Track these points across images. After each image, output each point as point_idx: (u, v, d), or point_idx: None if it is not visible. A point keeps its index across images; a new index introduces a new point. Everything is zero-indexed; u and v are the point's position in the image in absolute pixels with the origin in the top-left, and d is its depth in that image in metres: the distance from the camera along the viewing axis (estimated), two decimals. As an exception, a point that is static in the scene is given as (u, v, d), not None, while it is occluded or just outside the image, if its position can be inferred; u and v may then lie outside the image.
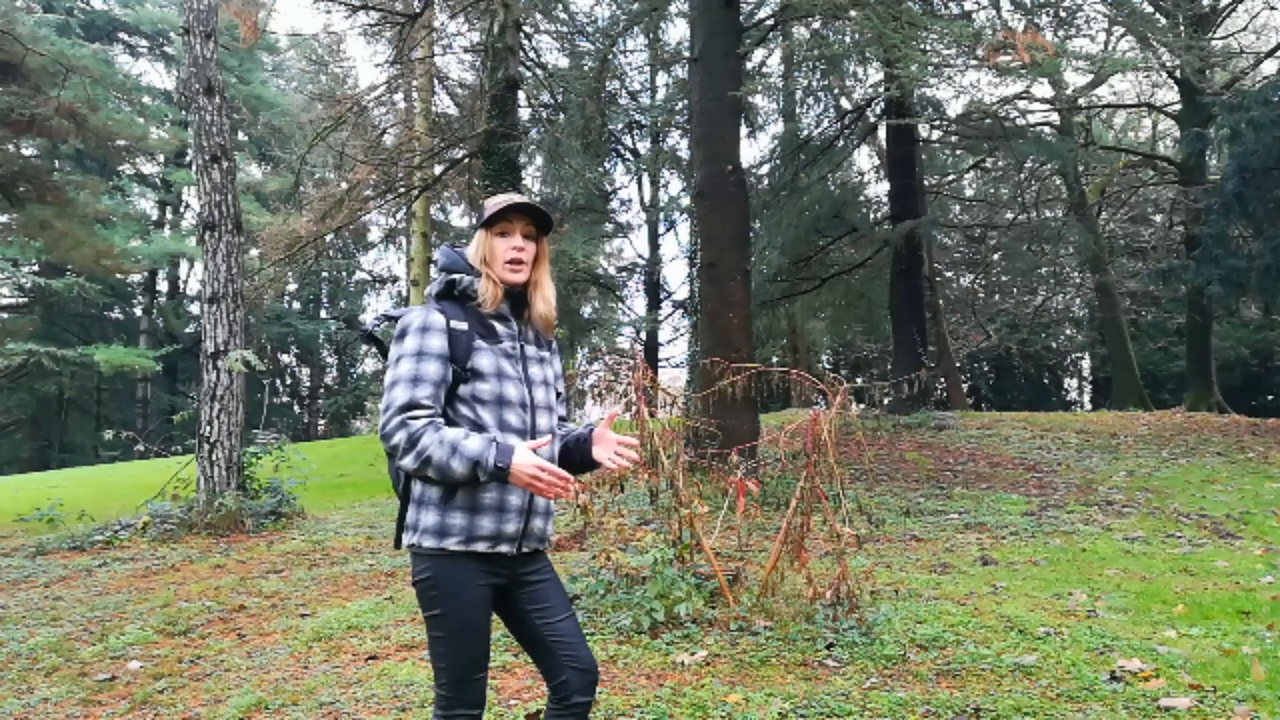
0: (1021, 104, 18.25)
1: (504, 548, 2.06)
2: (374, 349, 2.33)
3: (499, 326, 2.16)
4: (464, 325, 2.08)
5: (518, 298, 2.20)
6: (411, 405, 1.97)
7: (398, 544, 2.11)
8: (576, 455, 2.26)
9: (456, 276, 2.15)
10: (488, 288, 2.12)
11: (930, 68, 9.83)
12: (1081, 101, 19.53)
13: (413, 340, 2.04)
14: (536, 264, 2.21)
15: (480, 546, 2.03)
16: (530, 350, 2.20)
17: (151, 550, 7.39)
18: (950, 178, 22.06)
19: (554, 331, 2.33)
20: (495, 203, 2.17)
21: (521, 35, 15.68)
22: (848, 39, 12.61)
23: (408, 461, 1.95)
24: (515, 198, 2.16)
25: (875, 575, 5.19)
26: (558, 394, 2.29)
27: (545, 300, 2.22)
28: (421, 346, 2.03)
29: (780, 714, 3.27)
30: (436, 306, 2.10)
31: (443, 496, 2.02)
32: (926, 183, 18.64)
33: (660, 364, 24.84)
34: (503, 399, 2.08)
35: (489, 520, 2.03)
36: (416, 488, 2.08)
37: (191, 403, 27.01)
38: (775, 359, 24.01)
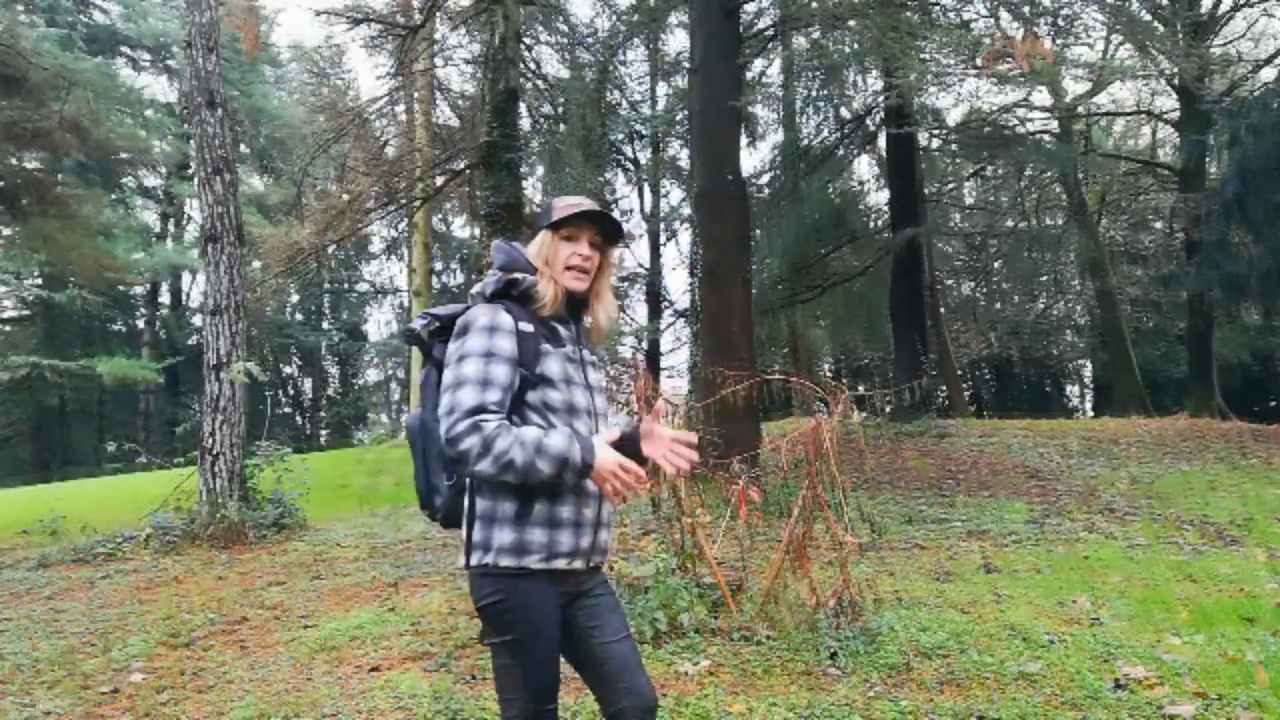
0: (1021, 111, 18.32)
1: (579, 563, 1.96)
2: (420, 350, 2.17)
3: (561, 330, 2.03)
4: (530, 327, 1.95)
5: (576, 302, 2.08)
6: (480, 410, 1.83)
7: (467, 564, 1.96)
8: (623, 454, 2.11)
9: (518, 276, 2.01)
10: (549, 289, 1.99)
11: (930, 76, 9.87)
12: (1081, 108, 19.58)
13: (479, 339, 1.89)
14: (599, 274, 2.09)
15: (561, 563, 1.92)
16: (587, 355, 2.09)
17: (154, 561, 7.39)
18: (950, 185, 22.13)
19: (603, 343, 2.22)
20: (565, 205, 2.04)
21: (522, 46, 15.75)
22: (847, 48, 12.65)
23: (484, 466, 1.80)
24: (587, 203, 2.03)
25: (878, 583, 5.18)
26: None
27: (607, 314, 2.11)
28: (490, 347, 1.88)
29: (784, 723, 3.26)
30: (502, 306, 1.96)
31: (518, 512, 1.89)
32: (927, 190, 18.69)
33: (662, 372, 24.85)
34: (573, 407, 1.97)
35: (568, 535, 1.92)
36: (483, 503, 1.93)
37: (193, 414, 27.02)
38: (777, 365, 24.01)
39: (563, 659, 2.05)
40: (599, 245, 2.08)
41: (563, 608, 1.98)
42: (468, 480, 1.98)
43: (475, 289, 2.06)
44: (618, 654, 1.99)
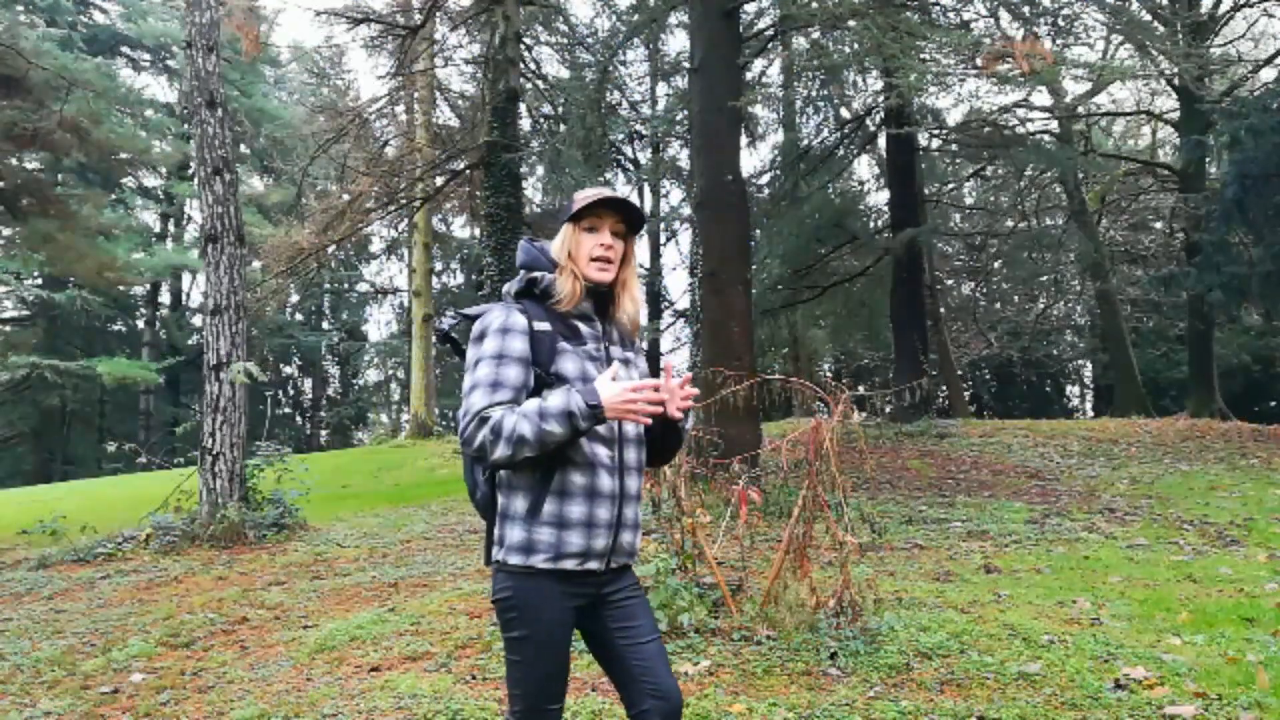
0: (1021, 112, 18.32)
1: (593, 564, 1.95)
2: (451, 349, 2.17)
3: (583, 327, 2.02)
4: (547, 326, 1.96)
5: (602, 297, 2.06)
6: (489, 410, 1.85)
7: (487, 560, 2.00)
8: (657, 425, 2.03)
9: (537, 274, 2.02)
10: (567, 284, 1.99)
11: (929, 77, 9.88)
12: (1080, 109, 19.59)
13: (492, 342, 1.91)
14: (624, 263, 2.08)
15: (569, 564, 1.91)
16: (615, 351, 2.07)
17: (154, 562, 7.39)
18: (950, 186, 22.12)
19: (639, 333, 2.20)
20: (584, 196, 2.03)
21: (522, 47, 15.77)
22: (847, 49, 12.66)
23: (501, 451, 1.82)
24: (605, 191, 2.02)
25: (878, 584, 5.17)
26: None
27: (633, 300, 2.10)
28: (502, 349, 1.90)
29: (784, 723, 3.26)
30: (518, 306, 1.98)
31: (529, 510, 1.91)
32: (927, 191, 18.70)
33: (662, 373, 24.76)
34: None
35: (577, 536, 1.91)
36: (502, 500, 1.96)
37: (194, 415, 27.05)
38: (777, 367, 24.01)
39: (591, 659, 2.04)
40: (622, 234, 2.07)
41: (584, 609, 1.98)
42: (494, 477, 2.02)
43: (505, 288, 2.08)
44: (645, 654, 1.99)
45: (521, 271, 2.05)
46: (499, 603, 1.93)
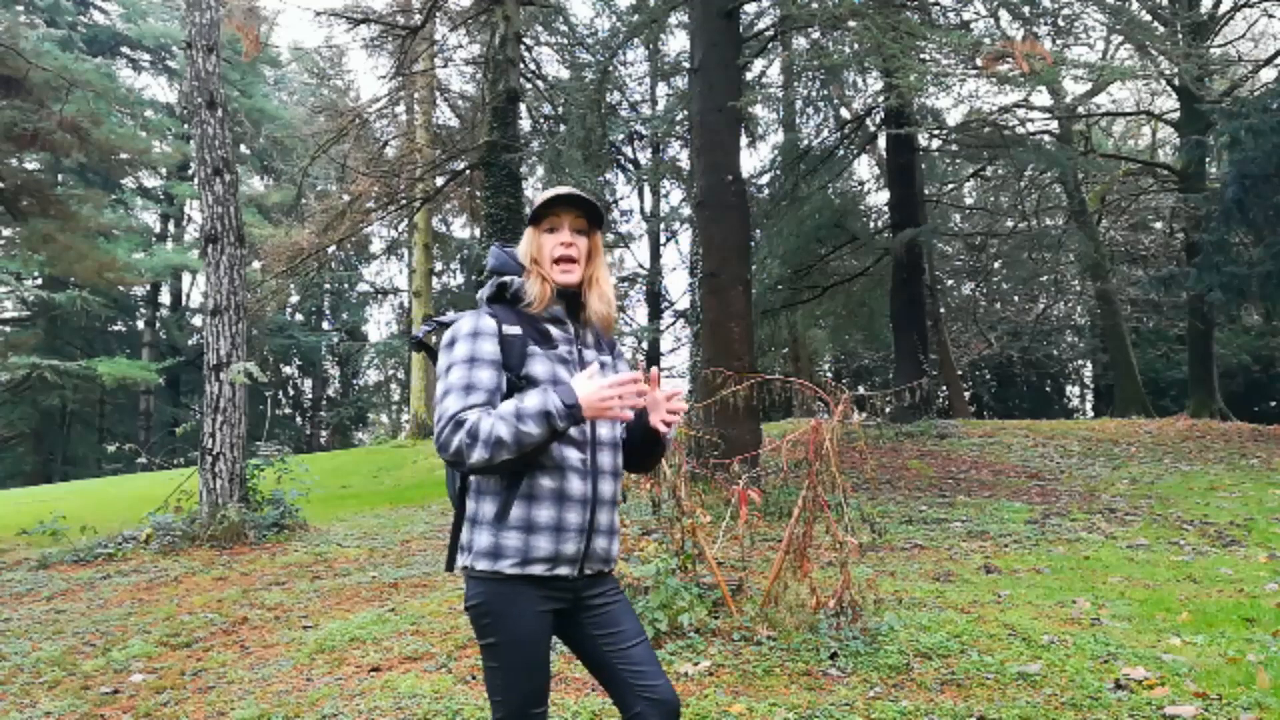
0: (1020, 112, 18.31)
1: (563, 570, 1.91)
2: (426, 356, 2.17)
3: (554, 330, 2.00)
4: (517, 330, 1.94)
5: (572, 297, 2.04)
6: (463, 413, 1.83)
7: (450, 566, 1.97)
8: (637, 433, 2.06)
9: (506, 279, 2.01)
10: (536, 286, 1.98)
11: (929, 77, 9.88)
12: (1080, 109, 19.58)
13: (464, 347, 1.90)
14: (590, 260, 2.04)
15: (537, 569, 1.88)
16: (589, 354, 2.04)
17: (154, 563, 7.39)
18: (950, 186, 22.10)
19: (614, 332, 2.17)
20: (540, 197, 2.02)
21: (522, 47, 15.77)
22: (847, 49, 12.66)
23: (478, 455, 1.78)
24: (559, 189, 1.99)
25: (878, 584, 5.17)
26: None
27: (602, 298, 2.05)
28: (473, 353, 1.89)
29: (784, 724, 3.26)
30: (488, 311, 1.97)
31: (497, 514, 1.88)
32: (926, 191, 18.68)
33: (662, 373, 24.81)
34: None
35: (546, 540, 1.88)
36: (470, 505, 1.94)
37: (194, 415, 27.06)
38: (777, 368, 24.02)
39: (581, 665, 2.04)
40: (584, 230, 2.04)
41: (564, 618, 1.96)
42: (461, 481, 2.00)
43: (478, 294, 2.08)
44: (633, 658, 1.97)
45: (492, 277, 2.04)
46: (472, 610, 1.90)
